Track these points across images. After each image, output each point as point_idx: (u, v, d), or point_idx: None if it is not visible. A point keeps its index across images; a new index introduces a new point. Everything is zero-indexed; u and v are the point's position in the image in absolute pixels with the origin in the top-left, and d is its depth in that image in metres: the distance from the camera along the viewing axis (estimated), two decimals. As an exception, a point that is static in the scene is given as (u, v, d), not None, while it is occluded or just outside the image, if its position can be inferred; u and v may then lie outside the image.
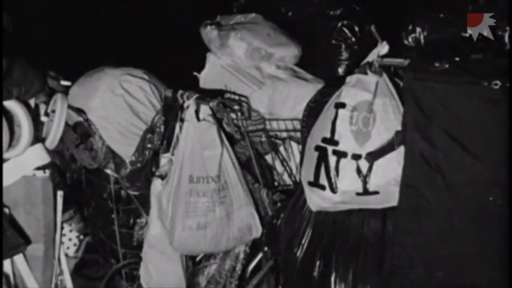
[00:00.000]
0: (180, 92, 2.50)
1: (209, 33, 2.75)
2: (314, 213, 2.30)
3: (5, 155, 2.17)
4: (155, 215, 2.53)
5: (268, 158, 2.70)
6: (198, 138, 2.40)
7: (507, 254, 1.90)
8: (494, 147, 1.91)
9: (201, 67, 2.82)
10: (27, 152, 2.23)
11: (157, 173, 2.55)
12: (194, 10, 3.34)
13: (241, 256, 2.61)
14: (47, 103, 2.32)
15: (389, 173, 2.13)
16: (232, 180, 2.47)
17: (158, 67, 2.82)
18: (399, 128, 2.12)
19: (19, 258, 2.30)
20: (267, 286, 2.57)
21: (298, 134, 2.61)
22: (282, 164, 2.70)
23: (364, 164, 2.13)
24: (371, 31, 2.22)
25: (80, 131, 2.61)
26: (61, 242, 2.57)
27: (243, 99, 2.63)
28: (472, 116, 1.94)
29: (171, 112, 2.55)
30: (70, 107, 2.56)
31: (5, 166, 2.24)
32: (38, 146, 2.29)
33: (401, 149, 2.11)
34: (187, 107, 2.43)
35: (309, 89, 2.61)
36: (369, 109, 2.15)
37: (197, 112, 2.41)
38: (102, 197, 2.78)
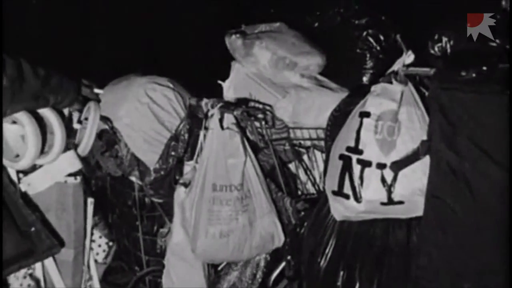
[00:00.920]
0: (205, 100, 2.51)
1: (234, 42, 2.77)
2: (338, 222, 2.28)
3: (37, 162, 2.22)
4: (178, 223, 2.53)
5: (292, 166, 2.70)
6: (222, 146, 2.41)
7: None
8: (522, 158, 1.89)
9: (225, 75, 2.84)
10: (59, 159, 2.27)
11: (180, 181, 2.56)
12: (219, 19, 3.37)
13: (262, 264, 2.61)
14: (80, 111, 2.36)
15: (414, 183, 2.11)
16: (255, 189, 2.47)
17: (183, 76, 2.84)
18: (425, 138, 2.10)
19: (50, 264, 2.33)
20: (290, 295, 2.56)
21: (322, 143, 2.60)
22: (306, 173, 2.69)
23: (388, 174, 2.11)
24: (396, 40, 2.21)
25: (106, 138, 2.64)
26: (91, 248, 2.59)
27: (267, 107, 2.63)
28: (499, 126, 1.91)
29: (196, 120, 2.57)
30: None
31: (37, 172, 2.29)
32: (70, 153, 2.33)
33: (426, 159, 2.09)
34: (212, 115, 2.44)
35: (334, 98, 2.61)
36: (394, 118, 2.14)
37: (221, 120, 2.42)
38: (127, 204, 2.79)
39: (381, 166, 2.12)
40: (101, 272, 2.70)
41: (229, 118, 2.43)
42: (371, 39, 2.82)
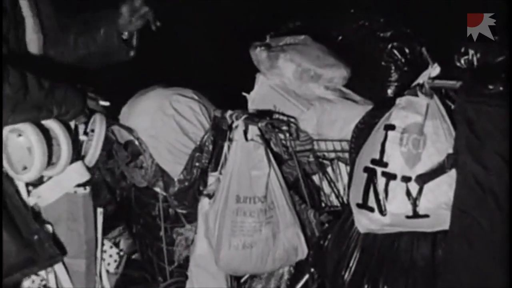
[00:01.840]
0: (229, 112, 2.52)
1: (258, 54, 2.78)
2: (362, 235, 2.27)
3: (45, 173, 2.24)
4: (201, 234, 2.54)
5: (316, 178, 2.69)
6: (246, 158, 2.42)
7: None
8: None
9: (250, 87, 2.85)
10: (67, 170, 2.28)
11: (204, 192, 2.56)
12: (244, 31, 3.38)
13: (286, 276, 2.59)
14: (86, 123, 2.38)
15: (440, 196, 2.09)
16: (279, 201, 2.46)
17: (207, 88, 2.86)
18: (451, 151, 2.09)
19: (63, 274, 2.34)
20: (314, 308, 2.54)
21: (346, 155, 2.59)
22: (330, 185, 2.68)
23: (414, 187, 2.10)
24: (422, 53, 2.20)
25: (131, 149, 2.66)
26: (102, 258, 2.60)
27: (291, 119, 2.63)
28: (526, 140, 1.90)
29: (220, 132, 2.58)
30: (121, 125, 2.62)
31: (46, 184, 2.30)
32: (78, 163, 2.34)
33: (452, 173, 2.07)
34: (236, 127, 2.45)
35: (358, 110, 2.60)
36: (420, 131, 2.13)
37: (245, 132, 2.43)
38: (151, 215, 2.80)
39: (406, 179, 2.11)
40: (113, 282, 2.70)
41: (253, 130, 2.44)
42: (396, 52, 2.81)
